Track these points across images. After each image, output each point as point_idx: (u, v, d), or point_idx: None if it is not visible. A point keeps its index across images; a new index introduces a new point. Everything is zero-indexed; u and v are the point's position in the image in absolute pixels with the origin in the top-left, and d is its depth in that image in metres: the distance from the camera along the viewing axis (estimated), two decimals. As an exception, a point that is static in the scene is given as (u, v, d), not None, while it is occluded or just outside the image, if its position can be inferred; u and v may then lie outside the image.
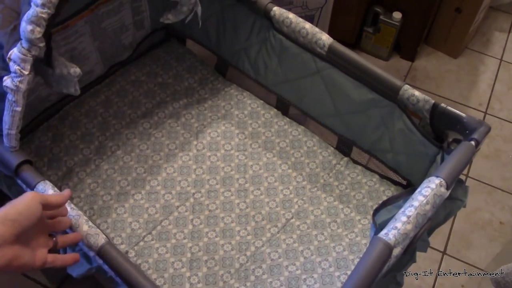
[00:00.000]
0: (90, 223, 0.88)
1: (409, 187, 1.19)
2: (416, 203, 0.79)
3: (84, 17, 1.23)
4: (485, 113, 1.93)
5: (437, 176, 0.84)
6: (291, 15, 1.18)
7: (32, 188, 0.93)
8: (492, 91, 2.00)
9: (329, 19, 1.70)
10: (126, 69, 1.39)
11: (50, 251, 0.80)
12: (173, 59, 1.43)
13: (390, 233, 0.76)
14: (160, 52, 1.44)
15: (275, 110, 1.35)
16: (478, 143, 0.92)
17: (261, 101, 1.37)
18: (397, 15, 1.90)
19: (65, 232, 0.87)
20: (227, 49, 1.39)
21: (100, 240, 0.86)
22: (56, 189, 0.92)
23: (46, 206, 0.76)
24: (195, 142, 1.27)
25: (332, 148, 1.29)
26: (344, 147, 1.28)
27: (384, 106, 1.12)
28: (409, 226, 0.77)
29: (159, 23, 1.41)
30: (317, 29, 1.16)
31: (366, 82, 1.12)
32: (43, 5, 0.82)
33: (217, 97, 1.37)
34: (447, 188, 0.83)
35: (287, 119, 1.33)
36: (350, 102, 1.18)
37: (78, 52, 1.27)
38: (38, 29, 0.83)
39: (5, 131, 0.92)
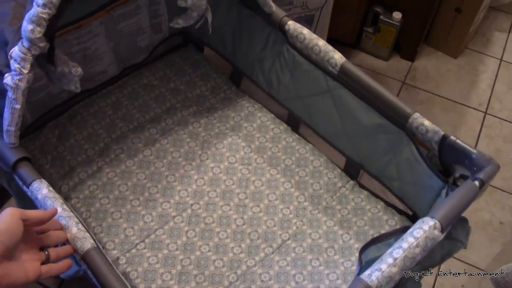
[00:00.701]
0: (80, 226, 0.87)
1: (415, 219, 1.14)
2: (405, 245, 0.75)
3: (99, 18, 1.23)
4: (485, 113, 1.93)
5: (432, 217, 0.79)
6: (305, 31, 1.15)
7: (27, 185, 0.92)
8: (492, 91, 2.00)
9: (329, 19, 1.69)
10: (139, 72, 1.39)
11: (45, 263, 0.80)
12: (187, 65, 1.42)
13: (373, 275, 0.72)
14: (175, 57, 1.43)
15: (285, 125, 1.32)
16: (483, 184, 0.87)
17: (272, 115, 1.34)
18: (397, 15, 1.90)
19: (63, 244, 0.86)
20: (242, 59, 1.37)
21: (87, 245, 0.85)
22: (51, 188, 0.92)
23: (27, 221, 0.75)
24: (199, 152, 1.26)
25: (339, 170, 1.25)
26: (351, 170, 1.24)
27: (393, 132, 1.08)
28: (394, 269, 0.73)
29: (177, 28, 1.40)
30: (330, 47, 1.13)
31: (376, 106, 1.08)
32: (44, 5, 0.81)
33: (228, 107, 1.35)
34: (442, 231, 0.78)
35: (296, 136, 1.30)
36: (359, 125, 1.14)
37: (92, 52, 1.27)
38: (38, 29, 0.83)
39: (4, 128, 0.92)
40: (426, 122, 1.00)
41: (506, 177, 1.74)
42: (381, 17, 1.92)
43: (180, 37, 1.47)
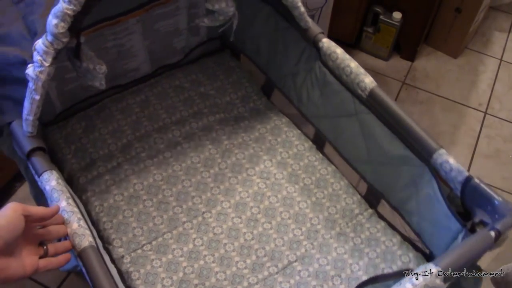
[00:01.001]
0: (81, 223, 0.88)
1: (431, 259, 1.09)
2: (401, 291, 0.71)
3: (137, 16, 1.24)
4: (485, 113, 1.93)
5: (435, 265, 0.75)
6: (339, 50, 1.12)
7: (39, 175, 0.94)
8: (492, 91, 2.01)
9: (329, 19, 1.68)
10: (172, 73, 1.39)
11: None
12: (221, 71, 1.41)
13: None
14: (210, 62, 1.43)
15: (310, 143, 1.29)
16: (499, 235, 0.81)
17: (298, 131, 1.31)
18: (397, 15, 1.91)
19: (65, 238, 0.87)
20: (276, 71, 1.35)
21: (84, 242, 0.85)
22: (60, 181, 0.93)
23: (29, 217, 0.76)
24: (219, 160, 1.25)
25: (358, 196, 1.21)
26: (372, 198, 1.20)
27: (416, 166, 1.03)
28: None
29: (216, 32, 1.40)
30: (362, 70, 1.09)
31: (401, 136, 1.04)
32: (69, 2, 0.82)
33: (255, 118, 1.33)
34: (445, 281, 0.74)
35: (320, 155, 1.27)
36: (383, 153, 1.10)
37: (126, 48, 1.28)
38: (62, 24, 0.83)
39: (24, 116, 0.93)
40: (451, 160, 0.95)
41: (506, 177, 1.75)
42: (381, 17, 1.93)
43: (218, 41, 1.47)
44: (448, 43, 2.07)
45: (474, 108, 1.93)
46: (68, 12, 0.82)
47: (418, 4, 1.87)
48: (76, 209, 0.89)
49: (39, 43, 0.86)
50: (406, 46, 2.04)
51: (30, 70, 0.88)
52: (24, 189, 1.58)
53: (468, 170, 1.67)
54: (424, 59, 2.09)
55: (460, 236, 0.94)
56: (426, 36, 2.07)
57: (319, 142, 1.29)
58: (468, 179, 0.93)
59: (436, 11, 1.96)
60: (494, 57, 2.13)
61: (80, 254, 0.85)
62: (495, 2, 2.23)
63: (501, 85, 2.03)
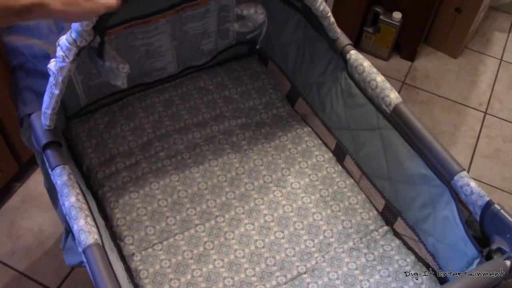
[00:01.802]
0: (89, 220, 0.88)
1: (445, 281, 1.06)
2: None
3: (167, 17, 1.24)
4: (485, 113, 1.93)
5: (443, 291, 0.72)
6: (366, 64, 1.10)
7: (52, 169, 0.95)
8: (492, 91, 2.00)
9: None
10: (198, 74, 1.39)
11: None
12: (246, 76, 1.41)
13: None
14: (236, 66, 1.42)
15: (331, 154, 1.27)
16: (514, 265, 0.78)
17: (319, 142, 1.30)
18: (397, 15, 1.92)
19: None
20: (302, 79, 1.34)
21: (90, 239, 0.86)
22: (72, 176, 0.94)
23: None
24: (237, 165, 1.24)
25: (375, 212, 1.18)
26: (389, 215, 1.17)
27: (436, 186, 1.00)
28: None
29: (245, 37, 1.39)
30: (387, 85, 1.07)
31: (423, 155, 1.01)
32: None
33: (276, 125, 1.32)
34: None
35: (339, 167, 1.25)
36: (403, 171, 1.08)
37: (155, 48, 1.29)
38: (87, 22, 0.84)
39: (42, 109, 0.95)
40: (472, 183, 0.92)
41: (506, 177, 1.74)
42: (381, 17, 1.94)
43: (246, 46, 1.46)
44: (448, 43, 2.07)
45: (474, 108, 1.93)
46: None
47: (418, 4, 1.88)
48: (84, 206, 0.90)
49: (63, 39, 0.87)
50: (406, 46, 2.05)
51: (52, 65, 0.89)
52: (23, 190, 1.59)
53: (468, 170, 1.71)
54: (424, 59, 2.09)
55: (476, 262, 0.91)
56: (426, 36, 2.08)
57: (339, 154, 1.27)
58: (489, 204, 0.90)
59: (436, 11, 1.97)
60: (494, 57, 2.12)
61: (85, 251, 0.85)
62: (495, 2, 2.21)
63: (501, 85, 2.02)
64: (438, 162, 0.98)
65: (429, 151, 0.99)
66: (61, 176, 0.93)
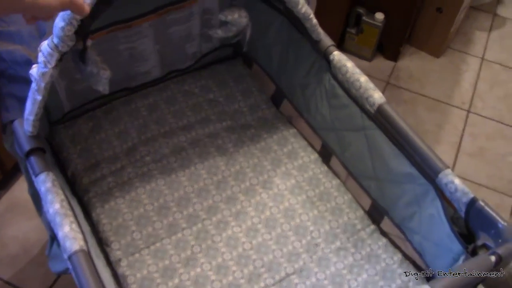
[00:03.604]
0: (74, 226, 0.88)
1: (432, 279, 1.07)
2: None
3: (151, 20, 1.24)
4: (468, 111, 1.95)
5: (431, 287, 0.73)
6: (349, 64, 1.11)
7: (35, 175, 0.94)
8: (474, 89, 2.03)
9: None
10: (182, 78, 1.39)
11: None
12: (231, 78, 1.41)
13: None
14: (221, 68, 1.42)
15: (316, 155, 1.28)
16: (499, 260, 0.79)
17: (305, 143, 1.30)
18: (380, 15, 1.94)
19: None
20: (286, 81, 1.34)
21: (75, 246, 0.85)
22: (56, 183, 0.93)
23: None
24: (223, 168, 1.24)
25: (361, 212, 1.19)
26: (375, 214, 1.18)
27: (421, 184, 1.01)
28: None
29: (228, 39, 1.39)
30: (371, 85, 1.08)
31: (408, 153, 1.02)
32: None
33: (262, 127, 1.32)
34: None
35: (325, 167, 1.26)
36: (388, 170, 1.08)
37: (138, 52, 1.28)
38: (68, 27, 0.83)
39: (25, 116, 0.94)
40: (457, 181, 0.93)
41: (490, 175, 1.76)
42: (364, 18, 1.96)
43: (230, 49, 1.46)
44: (430, 43, 2.10)
45: (457, 107, 1.95)
46: (76, 16, 0.82)
47: (400, 5, 1.91)
48: (69, 212, 0.89)
49: (45, 45, 0.86)
50: (389, 46, 2.07)
51: (34, 71, 0.88)
52: (8, 197, 1.57)
53: (453, 168, 1.72)
54: (407, 59, 2.11)
55: (462, 259, 0.92)
56: (408, 36, 2.11)
57: (325, 154, 1.27)
58: (473, 201, 0.90)
59: (417, 11, 1.99)
60: (476, 56, 2.15)
61: (70, 257, 0.85)
62: (475, 2, 2.24)
63: (483, 83, 2.05)
64: (422, 161, 0.99)
65: (413, 149, 1.00)
66: (45, 182, 0.92)
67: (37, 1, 0.68)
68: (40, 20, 0.76)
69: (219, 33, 1.24)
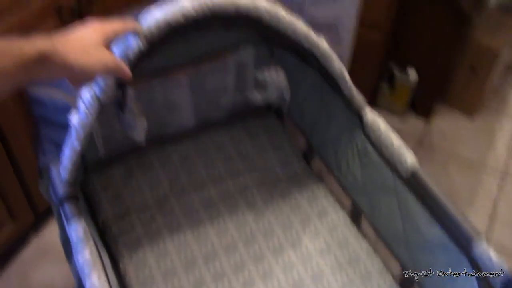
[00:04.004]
0: (102, 278, 0.87)
1: None
2: None
3: (187, 71, 1.27)
4: (503, 175, 1.88)
5: None
6: (382, 124, 1.10)
7: (67, 222, 0.95)
8: (509, 152, 1.96)
9: None
10: (215, 130, 1.41)
11: None
12: (263, 132, 1.42)
13: None
14: (254, 122, 1.44)
15: (346, 214, 1.26)
16: None
17: (335, 201, 1.29)
18: (413, 73, 1.96)
19: None
20: (318, 137, 1.34)
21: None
22: (87, 230, 0.93)
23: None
24: (251, 223, 1.23)
25: (391, 279, 1.15)
26: (406, 283, 1.14)
27: (454, 255, 0.98)
28: None
29: (266, 102, 1.41)
30: (404, 147, 1.07)
31: (440, 220, 1.00)
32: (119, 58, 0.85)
33: (292, 182, 1.32)
34: None
35: (355, 228, 1.23)
36: (420, 236, 1.06)
37: (173, 102, 1.31)
38: (110, 77, 0.85)
39: (62, 162, 0.96)
40: (493, 255, 0.90)
41: None
42: (397, 74, 1.97)
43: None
44: (464, 102, 2.08)
45: (491, 170, 1.90)
46: None
47: (433, 63, 1.91)
48: (98, 261, 0.89)
49: (86, 93, 0.88)
50: (422, 103, 2.06)
51: (74, 118, 0.90)
52: (38, 241, 1.58)
53: (487, 236, 1.65)
54: (440, 117, 2.09)
55: (496, 337, 0.88)
56: (441, 95, 2.09)
57: (355, 214, 1.26)
58: (510, 281, 0.87)
59: (451, 70, 1.98)
60: (510, 117, 2.12)
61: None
62: (511, 62, 2.23)
63: None
64: (456, 230, 0.96)
65: (446, 217, 0.98)
66: (77, 230, 0.93)
67: (84, 68, 0.71)
68: (85, 83, 0.80)
69: (259, 98, 1.26)
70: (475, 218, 1.73)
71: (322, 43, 1.03)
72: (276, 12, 0.94)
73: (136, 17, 0.88)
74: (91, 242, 0.91)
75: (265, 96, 1.24)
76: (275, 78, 1.17)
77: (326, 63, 1.07)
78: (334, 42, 1.36)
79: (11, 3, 1.20)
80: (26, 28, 1.27)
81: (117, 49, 0.83)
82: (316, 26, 1.31)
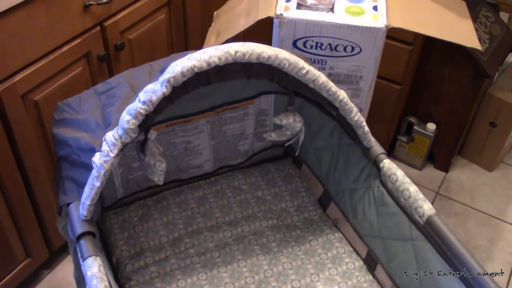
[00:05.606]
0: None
1: None
2: None
3: (208, 117, 1.30)
4: None
5: None
6: (399, 173, 1.11)
7: (83, 259, 0.96)
8: None
9: None
10: (233, 174, 1.42)
11: None
12: (280, 178, 1.43)
13: None
14: (271, 167, 1.45)
15: (361, 262, 1.25)
16: None
17: (350, 248, 1.28)
18: (431, 126, 1.96)
19: None
20: (334, 184, 1.35)
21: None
22: (102, 268, 0.94)
23: None
24: (265, 267, 1.22)
25: (407, 328, 1.13)
26: (421, 332, 1.12)
27: (471, 305, 0.96)
28: None
29: (282, 143, 1.44)
30: (421, 195, 1.07)
31: (457, 270, 0.98)
32: (144, 103, 0.88)
33: (307, 229, 1.32)
34: None
35: (370, 277, 1.22)
36: (436, 285, 1.04)
37: (193, 146, 1.33)
38: (133, 121, 0.89)
39: (82, 200, 0.98)
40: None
41: None
42: (415, 127, 1.98)
43: (281, 149, 1.50)
44: (483, 156, 2.08)
45: (510, 224, 1.88)
46: (141, 111, 0.88)
47: (452, 117, 1.92)
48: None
49: (110, 135, 0.92)
50: (440, 156, 2.06)
51: (96, 158, 0.93)
52: (51, 278, 1.59)
53: None
54: (459, 171, 2.09)
55: None
56: (460, 148, 2.10)
57: (370, 262, 1.24)
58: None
59: (470, 124, 2.00)
60: None
61: None
62: None
63: None
64: (473, 280, 0.95)
65: (463, 266, 0.96)
66: (91, 267, 0.93)
67: None
68: None
69: (273, 136, 1.28)
70: (494, 271, 1.70)
71: (342, 94, 1.06)
72: (297, 62, 0.98)
73: (162, 66, 0.92)
74: (105, 278, 0.92)
75: (278, 135, 1.27)
76: (292, 123, 1.19)
77: (345, 113, 1.09)
78: (353, 94, 1.40)
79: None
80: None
81: (142, 95, 0.87)
82: (336, 77, 1.36)
